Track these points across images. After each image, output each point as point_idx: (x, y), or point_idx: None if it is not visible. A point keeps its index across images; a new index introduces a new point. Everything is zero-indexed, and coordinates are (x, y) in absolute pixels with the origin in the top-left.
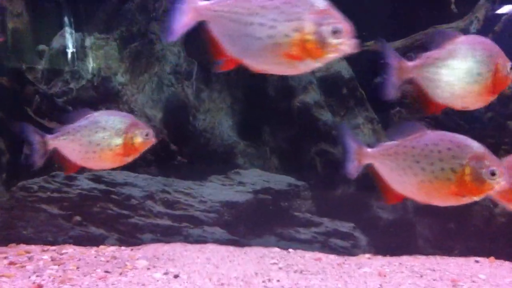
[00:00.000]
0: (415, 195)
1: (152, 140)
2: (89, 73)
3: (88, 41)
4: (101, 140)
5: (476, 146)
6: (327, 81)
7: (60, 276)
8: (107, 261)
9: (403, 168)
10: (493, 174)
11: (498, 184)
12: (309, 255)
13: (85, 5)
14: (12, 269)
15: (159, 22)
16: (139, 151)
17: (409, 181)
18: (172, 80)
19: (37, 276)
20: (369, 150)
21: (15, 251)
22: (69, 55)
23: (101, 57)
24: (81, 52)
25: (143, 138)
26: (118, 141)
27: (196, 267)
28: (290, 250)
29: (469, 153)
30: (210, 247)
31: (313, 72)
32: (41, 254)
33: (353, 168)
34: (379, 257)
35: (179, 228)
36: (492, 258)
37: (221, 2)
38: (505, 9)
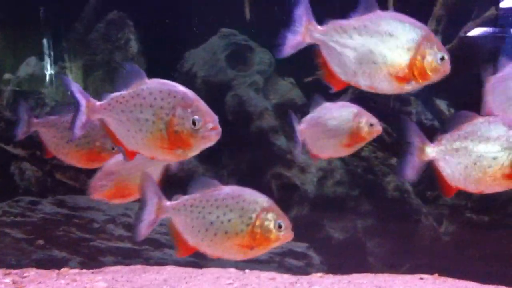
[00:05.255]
0: None
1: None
2: (53, 100)
3: (53, 69)
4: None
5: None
6: (283, 108)
7: None
8: (67, 284)
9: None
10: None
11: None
12: (264, 275)
13: (50, 35)
14: None
15: (122, 51)
16: None
17: None
18: None
19: None
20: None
21: None
22: (35, 83)
23: None
24: (46, 80)
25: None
26: None
27: None
28: (247, 270)
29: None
30: (169, 269)
31: (269, 99)
32: (3, 278)
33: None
34: (331, 275)
35: (140, 250)
36: (436, 275)
37: (331, 26)
38: None
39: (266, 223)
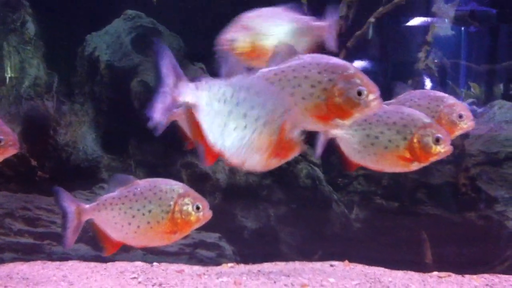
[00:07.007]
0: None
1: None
2: None
3: None
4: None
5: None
6: None
7: None
8: None
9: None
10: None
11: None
12: (172, 267)
13: None
14: None
15: (17, 34)
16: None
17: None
18: (31, 93)
19: None
20: None
21: None
22: None
23: None
24: None
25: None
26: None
27: (50, 286)
28: (155, 263)
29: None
30: (70, 264)
31: None
32: None
33: None
34: (242, 265)
35: (42, 245)
36: (346, 262)
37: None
38: None
39: (184, 207)
